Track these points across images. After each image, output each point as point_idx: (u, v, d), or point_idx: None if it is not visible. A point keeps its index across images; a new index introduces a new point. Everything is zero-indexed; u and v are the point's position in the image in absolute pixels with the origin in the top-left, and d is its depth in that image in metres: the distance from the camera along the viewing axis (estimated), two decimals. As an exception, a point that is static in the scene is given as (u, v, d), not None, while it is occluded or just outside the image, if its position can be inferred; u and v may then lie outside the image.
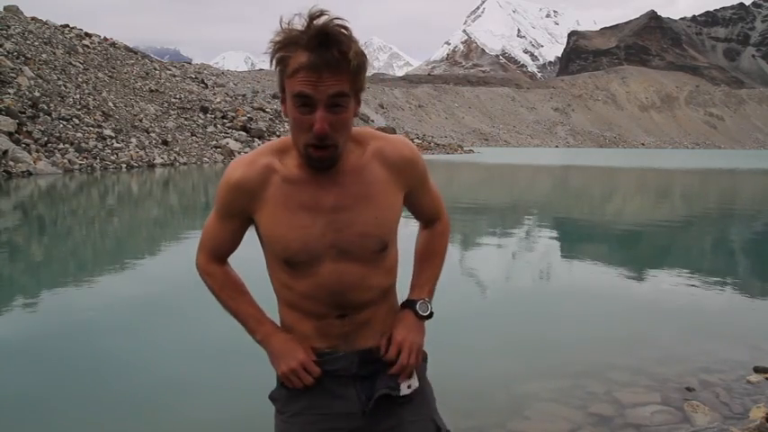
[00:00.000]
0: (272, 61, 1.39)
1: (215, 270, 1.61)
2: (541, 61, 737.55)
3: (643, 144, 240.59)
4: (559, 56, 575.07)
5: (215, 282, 1.61)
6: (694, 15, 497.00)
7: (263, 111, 48.42)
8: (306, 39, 1.34)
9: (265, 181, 1.46)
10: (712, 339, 4.69)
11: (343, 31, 1.34)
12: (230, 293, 1.61)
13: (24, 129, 21.91)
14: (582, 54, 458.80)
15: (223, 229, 1.56)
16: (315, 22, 1.34)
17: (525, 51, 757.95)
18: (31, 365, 3.94)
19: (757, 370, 3.86)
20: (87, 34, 40.74)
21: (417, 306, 1.59)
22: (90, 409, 3.31)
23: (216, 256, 1.61)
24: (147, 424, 3.18)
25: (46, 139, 22.61)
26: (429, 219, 1.67)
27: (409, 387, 1.53)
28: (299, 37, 1.34)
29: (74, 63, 32.48)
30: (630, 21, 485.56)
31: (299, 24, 1.36)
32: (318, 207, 1.45)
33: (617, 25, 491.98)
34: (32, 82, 25.72)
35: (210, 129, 37.58)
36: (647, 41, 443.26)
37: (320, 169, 1.43)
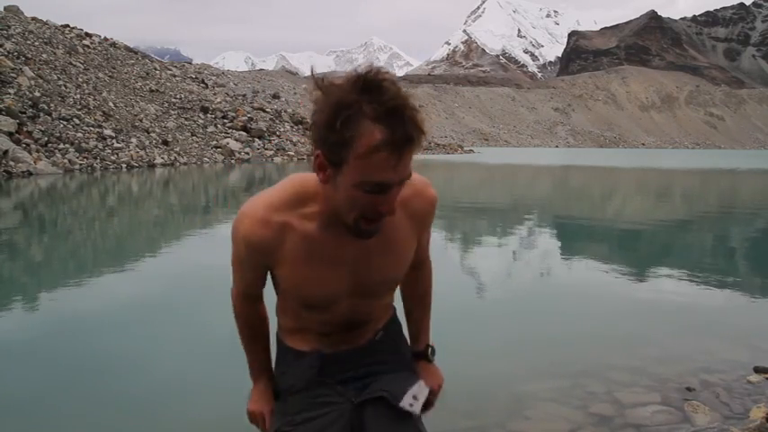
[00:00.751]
0: (326, 126, 1.21)
1: (243, 308, 1.62)
2: (542, 61, 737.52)
3: (643, 144, 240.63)
4: (560, 56, 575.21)
5: (239, 318, 1.64)
6: (694, 15, 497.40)
7: (264, 111, 48.41)
8: (380, 112, 1.17)
9: (282, 239, 1.39)
10: (712, 339, 4.68)
11: (412, 100, 1.21)
12: (250, 333, 1.65)
13: (25, 129, 21.92)
14: (582, 54, 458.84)
15: (246, 275, 1.54)
16: (381, 89, 1.18)
17: (525, 51, 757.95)
18: (32, 365, 3.94)
19: (757, 370, 3.86)
20: (87, 34, 40.73)
21: (429, 355, 1.74)
22: (91, 409, 3.31)
23: (246, 294, 1.60)
24: (149, 423, 3.18)
25: (46, 139, 22.62)
26: (419, 259, 1.63)
27: (411, 406, 1.52)
28: (366, 106, 1.18)
29: (74, 63, 32.47)
30: (631, 21, 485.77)
31: (344, 80, 1.20)
32: (340, 261, 1.42)
33: (617, 25, 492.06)
34: (33, 82, 25.74)
35: (211, 129, 37.58)
36: (647, 41, 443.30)
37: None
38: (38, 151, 21.36)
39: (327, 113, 1.20)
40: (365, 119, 1.18)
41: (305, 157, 41.85)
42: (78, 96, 28.19)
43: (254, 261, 1.46)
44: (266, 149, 39.37)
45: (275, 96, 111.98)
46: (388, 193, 1.26)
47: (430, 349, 1.74)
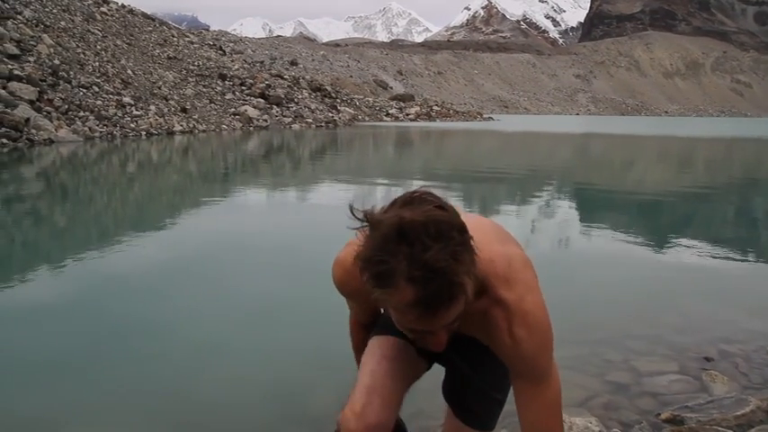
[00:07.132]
0: (363, 270, 1.16)
1: (356, 333, 1.85)
2: (563, 27, 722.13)
3: (666, 112, 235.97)
4: (582, 21, 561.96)
5: (353, 341, 1.89)
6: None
7: (282, 78, 48.20)
8: (414, 271, 1.09)
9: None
10: (732, 309, 4.65)
11: (451, 257, 1.10)
12: (357, 347, 1.85)
13: (45, 97, 22.08)
14: (605, 19, 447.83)
15: (352, 306, 1.78)
16: (421, 242, 1.09)
17: (547, 17, 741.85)
18: (61, 328, 4.02)
19: (778, 340, 3.83)
20: (105, 1, 40.61)
21: None
22: (120, 371, 3.38)
23: (356, 320, 1.83)
24: (178, 386, 3.24)
25: (66, 107, 22.78)
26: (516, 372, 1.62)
27: None
28: (401, 263, 1.10)
29: (92, 30, 32.48)
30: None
31: (387, 224, 1.12)
32: None
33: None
34: (52, 50, 25.80)
35: (229, 96, 37.58)
36: (673, 6, 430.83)
37: None
38: (59, 119, 21.53)
39: (365, 262, 1.15)
40: (400, 277, 1.11)
41: (323, 124, 41.71)
42: (97, 64, 28.26)
43: (350, 301, 1.73)
44: (284, 116, 39.34)
45: (293, 63, 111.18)
46: (432, 335, 1.24)
47: None
